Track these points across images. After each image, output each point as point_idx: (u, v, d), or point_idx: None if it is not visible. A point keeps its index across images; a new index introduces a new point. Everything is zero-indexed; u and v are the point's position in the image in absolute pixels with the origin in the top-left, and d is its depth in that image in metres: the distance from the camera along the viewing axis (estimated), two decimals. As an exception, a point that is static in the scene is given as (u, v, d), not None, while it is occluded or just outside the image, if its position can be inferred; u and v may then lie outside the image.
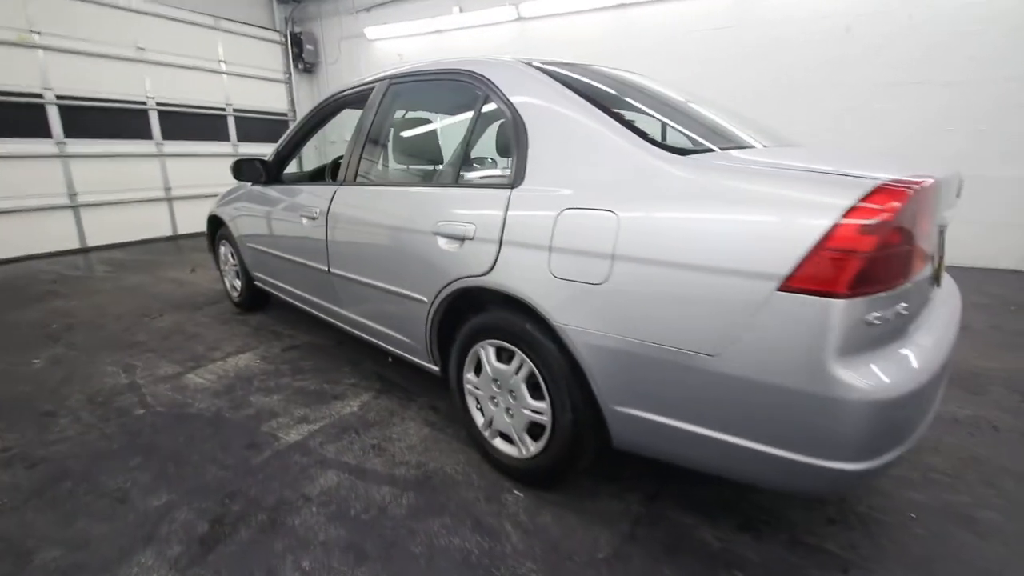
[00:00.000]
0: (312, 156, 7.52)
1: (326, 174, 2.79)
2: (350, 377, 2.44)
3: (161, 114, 6.37)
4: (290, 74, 8.02)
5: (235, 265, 3.37)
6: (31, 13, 5.20)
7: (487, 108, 1.70)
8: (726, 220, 1.09)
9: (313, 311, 2.60)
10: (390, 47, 7.54)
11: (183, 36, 6.55)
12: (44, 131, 5.42)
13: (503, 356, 1.60)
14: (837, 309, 0.96)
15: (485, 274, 1.51)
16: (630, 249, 1.20)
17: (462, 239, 1.58)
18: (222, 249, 3.51)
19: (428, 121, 2.41)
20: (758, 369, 1.05)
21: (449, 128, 2.25)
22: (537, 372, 1.47)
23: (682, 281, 1.12)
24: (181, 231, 6.73)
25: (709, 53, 5.41)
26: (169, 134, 6.48)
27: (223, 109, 7.11)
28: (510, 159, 1.56)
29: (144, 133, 6.27)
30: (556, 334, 1.36)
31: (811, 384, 1.00)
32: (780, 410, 1.05)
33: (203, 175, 6.82)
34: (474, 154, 1.87)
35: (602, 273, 1.24)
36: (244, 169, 2.84)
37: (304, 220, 2.35)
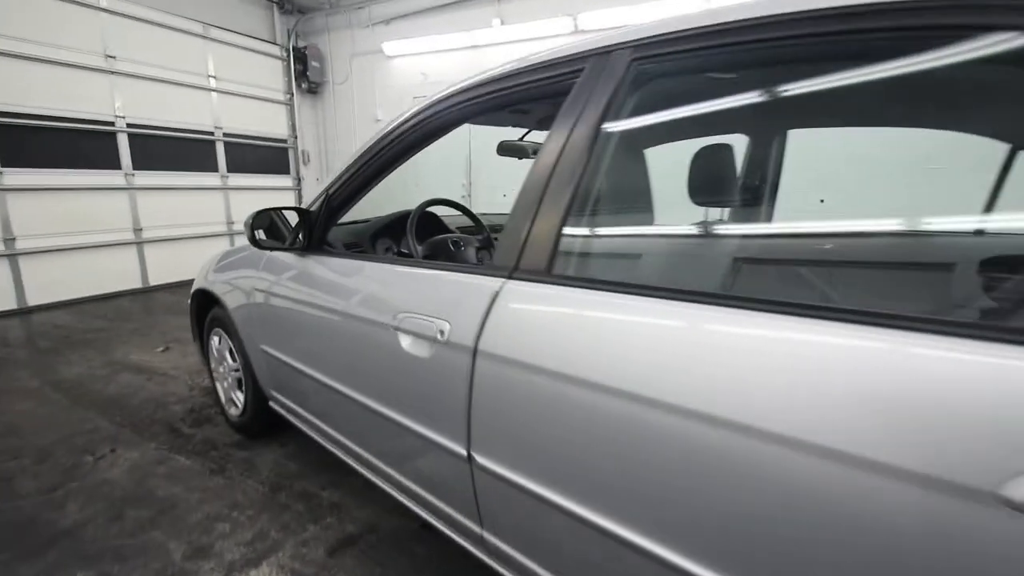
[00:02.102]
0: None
1: (408, 235, 1.59)
2: (487, 653, 1.20)
3: (132, 137, 5.11)
4: (292, 94, 6.87)
5: (236, 370, 2.12)
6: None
7: None
8: None
9: (399, 496, 1.38)
10: (412, 65, 6.48)
11: (164, 44, 5.35)
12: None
13: None
14: None
15: None
16: None
17: None
18: (214, 340, 2.25)
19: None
20: None
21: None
22: None
23: None
24: (153, 282, 5.39)
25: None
26: (142, 162, 5.21)
27: (211, 133, 5.88)
28: None
29: (110, 161, 5.00)
30: None
31: None
32: None
33: (183, 212, 5.53)
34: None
35: None
36: (266, 225, 1.65)
37: (405, 340, 1.15)
